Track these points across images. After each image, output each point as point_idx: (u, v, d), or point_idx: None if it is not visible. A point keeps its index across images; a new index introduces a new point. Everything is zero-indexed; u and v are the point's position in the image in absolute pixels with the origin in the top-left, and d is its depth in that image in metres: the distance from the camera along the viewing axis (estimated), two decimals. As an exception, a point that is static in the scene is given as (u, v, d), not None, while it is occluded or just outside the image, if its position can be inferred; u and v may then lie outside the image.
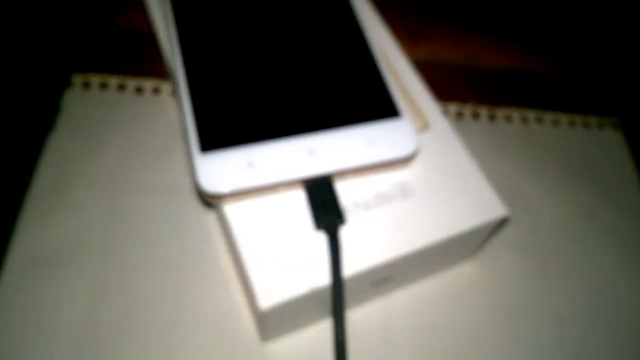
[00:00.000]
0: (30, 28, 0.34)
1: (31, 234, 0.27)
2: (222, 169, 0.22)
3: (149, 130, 0.31)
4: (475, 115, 0.36)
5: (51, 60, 0.33)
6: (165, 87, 0.33)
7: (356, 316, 0.27)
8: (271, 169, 0.22)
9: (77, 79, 0.33)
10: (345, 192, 0.24)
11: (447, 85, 0.37)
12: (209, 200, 0.22)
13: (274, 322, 0.23)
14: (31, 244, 0.27)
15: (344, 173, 0.23)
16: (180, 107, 0.25)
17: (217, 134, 0.22)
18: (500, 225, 0.30)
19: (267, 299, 0.21)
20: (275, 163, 0.22)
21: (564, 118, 0.37)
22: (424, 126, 0.26)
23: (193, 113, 0.23)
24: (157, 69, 0.34)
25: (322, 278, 0.21)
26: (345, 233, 0.22)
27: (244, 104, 0.23)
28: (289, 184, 0.22)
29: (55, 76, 0.32)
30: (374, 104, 0.24)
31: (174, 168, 0.30)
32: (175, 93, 0.32)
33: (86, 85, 0.32)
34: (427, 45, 0.39)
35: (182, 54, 0.25)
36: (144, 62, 0.34)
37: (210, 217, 0.29)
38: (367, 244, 0.22)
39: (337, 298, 0.21)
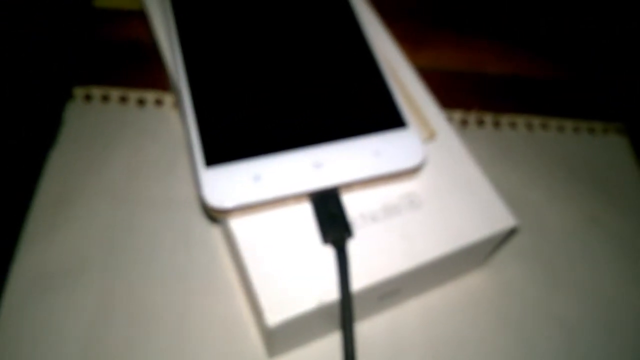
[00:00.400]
0: (30, 41, 0.34)
1: (35, 250, 0.27)
2: (227, 184, 0.21)
3: (152, 143, 0.31)
4: (480, 123, 0.35)
5: (52, 73, 0.32)
6: (168, 99, 0.33)
7: (364, 328, 0.26)
8: (277, 183, 0.22)
9: (79, 92, 0.32)
10: (352, 204, 0.23)
11: (450, 92, 0.37)
12: (215, 215, 0.22)
13: (282, 337, 0.23)
14: (35, 260, 0.27)
15: (350, 185, 0.23)
16: (183, 120, 0.25)
17: (222, 148, 0.22)
18: (508, 235, 0.29)
19: (274, 315, 0.20)
20: (281, 176, 0.22)
21: (569, 124, 0.37)
22: (430, 135, 0.26)
23: (197, 127, 0.23)
24: (159, 80, 0.34)
25: (330, 293, 0.21)
26: (353, 246, 0.22)
27: (249, 116, 0.23)
28: (295, 198, 0.22)
29: (56, 89, 0.32)
30: (379, 114, 0.24)
31: (178, 181, 0.30)
32: (178, 105, 0.32)
33: (88, 97, 0.32)
34: (429, 52, 0.39)
35: (185, 66, 0.24)
36: (145, 73, 0.34)
37: (215, 230, 0.29)
38: (375, 257, 0.22)
39: (345, 313, 0.21)
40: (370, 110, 0.24)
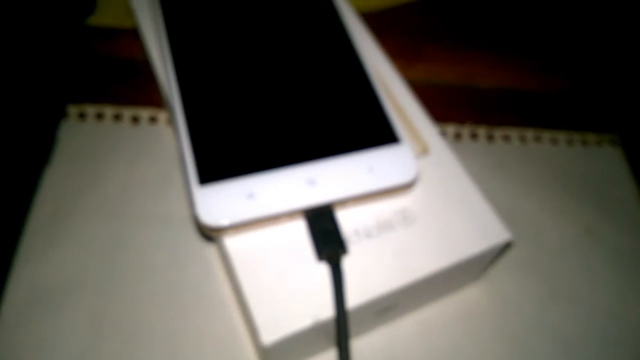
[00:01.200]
0: (23, 59, 0.34)
1: (29, 269, 0.27)
2: (221, 202, 0.21)
3: (147, 160, 0.31)
4: (474, 136, 0.36)
5: (46, 91, 0.32)
6: (162, 116, 0.33)
7: (361, 344, 0.26)
8: (271, 200, 0.22)
9: (73, 110, 0.32)
10: (347, 220, 0.23)
11: (444, 106, 0.37)
12: (209, 234, 0.22)
13: (278, 355, 0.22)
14: (29, 279, 0.27)
15: (344, 202, 0.23)
16: (177, 138, 0.25)
17: (216, 166, 0.22)
18: (504, 248, 0.29)
19: (269, 334, 0.20)
20: (275, 194, 0.22)
21: (562, 136, 0.37)
22: (423, 150, 0.26)
23: (191, 145, 0.23)
24: (153, 97, 0.34)
25: (326, 310, 0.21)
26: (348, 263, 0.22)
27: (242, 134, 0.23)
28: (289, 215, 0.22)
29: (50, 108, 0.32)
30: (372, 130, 0.24)
31: (172, 198, 0.30)
32: (172, 122, 0.32)
33: (82, 116, 0.32)
34: (422, 66, 0.39)
35: (179, 85, 0.24)
36: (139, 90, 0.34)
37: (210, 248, 0.28)
38: (370, 273, 0.22)
39: (341, 331, 0.21)
40: (363, 127, 0.24)
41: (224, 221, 0.21)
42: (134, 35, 0.34)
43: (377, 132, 0.24)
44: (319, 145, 0.23)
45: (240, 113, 0.24)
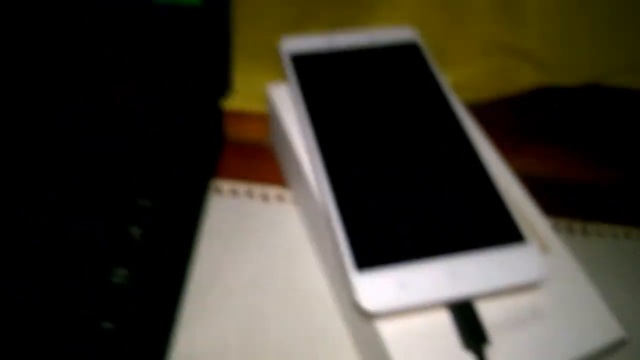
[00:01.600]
0: (164, 140, 0.37)
1: (185, 336, 0.29)
2: (377, 288, 0.24)
3: (278, 236, 0.34)
4: (570, 231, 0.38)
5: (195, 168, 0.35)
6: (287, 195, 0.36)
7: None
8: (420, 290, 0.24)
9: (211, 185, 0.36)
10: (483, 311, 0.26)
11: (539, 200, 0.40)
12: (363, 317, 0.24)
13: None
14: (185, 346, 0.29)
15: (481, 295, 0.25)
16: (326, 224, 0.28)
17: (370, 254, 0.25)
18: (617, 346, 0.31)
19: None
20: (422, 284, 0.24)
21: (649, 234, 0.39)
22: (544, 247, 0.29)
23: (346, 233, 0.26)
24: (278, 177, 0.37)
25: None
26: (490, 353, 0.24)
27: (391, 225, 0.26)
28: (435, 305, 0.25)
29: (198, 183, 0.35)
30: (501, 228, 0.27)
31: (301, 274, 0.33)
32: (297, 202, 0.35)
33: (218, 191, 0.36)
34: (518, 161, 0.42)
35: (328, 174, 0.28)
36: (266, 170, 0.38)
37: (341, 324, 0.31)
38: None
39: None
40: (492, 225, 0.27)
41: (381, 307, 0.24)
42: (258, 118, 0.39)
43: (505, 231, 0.27)
44: (457, 240, 0.26)
45: (387, 205, 0.27)
